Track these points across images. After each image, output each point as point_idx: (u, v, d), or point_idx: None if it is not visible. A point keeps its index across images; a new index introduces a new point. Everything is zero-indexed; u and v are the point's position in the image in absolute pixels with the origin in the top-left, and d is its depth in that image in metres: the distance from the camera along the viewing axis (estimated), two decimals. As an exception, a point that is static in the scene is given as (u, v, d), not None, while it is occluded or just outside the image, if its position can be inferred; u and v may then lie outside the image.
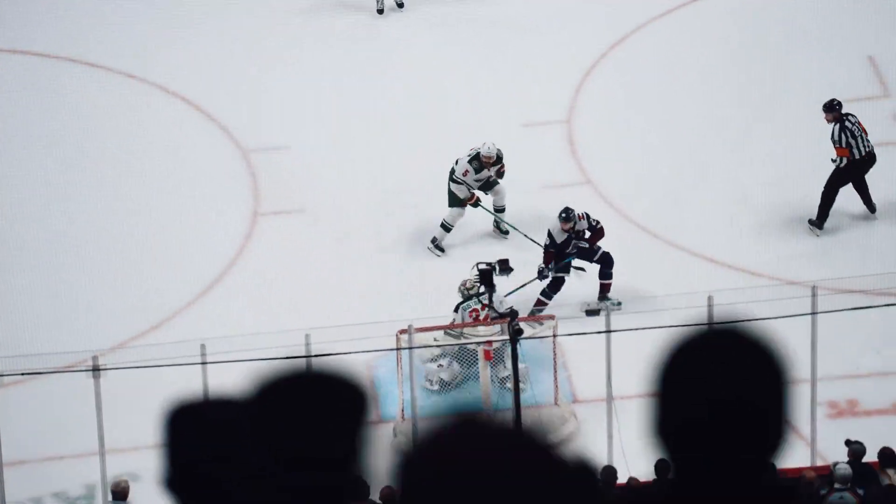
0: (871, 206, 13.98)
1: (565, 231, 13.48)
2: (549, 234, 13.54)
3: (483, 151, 14.08)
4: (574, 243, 13.55)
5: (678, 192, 14.74)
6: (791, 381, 2.09)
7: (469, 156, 14.13)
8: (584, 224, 13.54)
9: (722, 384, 2.05)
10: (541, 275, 13.52)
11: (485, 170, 14.13)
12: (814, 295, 11.65)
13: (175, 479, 2.17)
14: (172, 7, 17.03)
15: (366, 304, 13.51)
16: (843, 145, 13.72)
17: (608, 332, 11.75)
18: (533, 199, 14.64)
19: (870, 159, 13.76)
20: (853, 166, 13.75)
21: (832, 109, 13.88)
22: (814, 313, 11.71)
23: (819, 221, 13.89)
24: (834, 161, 13.79)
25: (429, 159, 15.11)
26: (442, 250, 14.19)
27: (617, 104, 15.88)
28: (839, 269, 13.53)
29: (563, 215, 13.45)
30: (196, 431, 2.17)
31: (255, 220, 14.75)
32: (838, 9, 16.69)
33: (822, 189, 13.84)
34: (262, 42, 16.59)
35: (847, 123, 13.78)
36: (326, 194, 14.87)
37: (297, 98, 16.02)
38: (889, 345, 12.93)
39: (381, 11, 16.68)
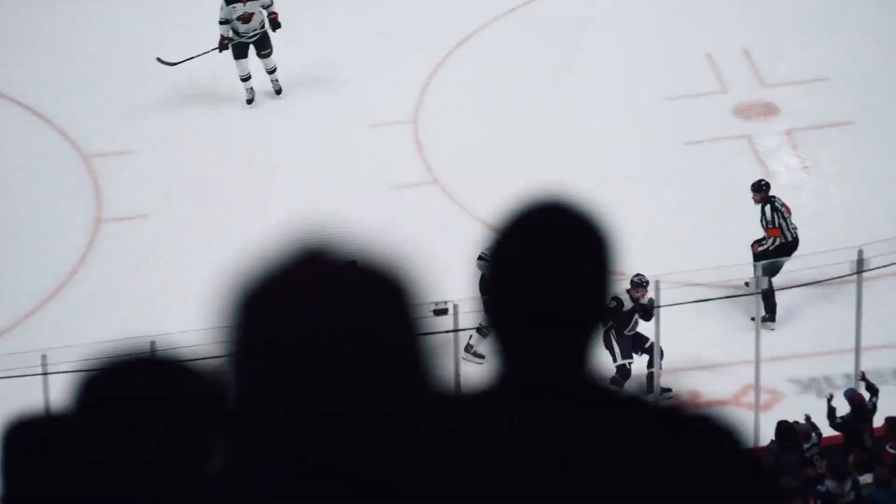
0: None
1: (632, 300, 12.30)
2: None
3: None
4: (636, 319, 12.26)
5: (525, 191, 14.81)
6: (615, 257, 2.02)
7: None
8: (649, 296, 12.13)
9: (546, 260, 1.97)
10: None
11: None
12: (657, 289, 11.83)
13: (14, 498, 2.11)
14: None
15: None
16: (776, 225, 13.15)
17: (455, 331, 11.78)
18: (381, 200, 14.62)
19: (794, 244, 13.17)
20: (782, 248, 13.17)
21: (760, 189, 13.27)
22: (657, 306, 11.89)
23: (770, 314, 13.09)
24: (762, 244, 13.19)
25: (284, 168, 15.02)
26: (482, 357, 12.77)
27: (463, 103, 15.94)
28: (682, 263, 13.73)
29: (636, 280, 12.26)
30: (36, 447, 2.11)
31: (98, 228, 14.51)
32: (676, 6, 16.97)
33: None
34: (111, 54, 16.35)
35: (777, 204, 13.24)
36: (181, 202, 14.68)
37: (147, 107, 15.80)
38: (729, 337, 13.15)
39: (250, 101, 15.64)
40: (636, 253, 13.46)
